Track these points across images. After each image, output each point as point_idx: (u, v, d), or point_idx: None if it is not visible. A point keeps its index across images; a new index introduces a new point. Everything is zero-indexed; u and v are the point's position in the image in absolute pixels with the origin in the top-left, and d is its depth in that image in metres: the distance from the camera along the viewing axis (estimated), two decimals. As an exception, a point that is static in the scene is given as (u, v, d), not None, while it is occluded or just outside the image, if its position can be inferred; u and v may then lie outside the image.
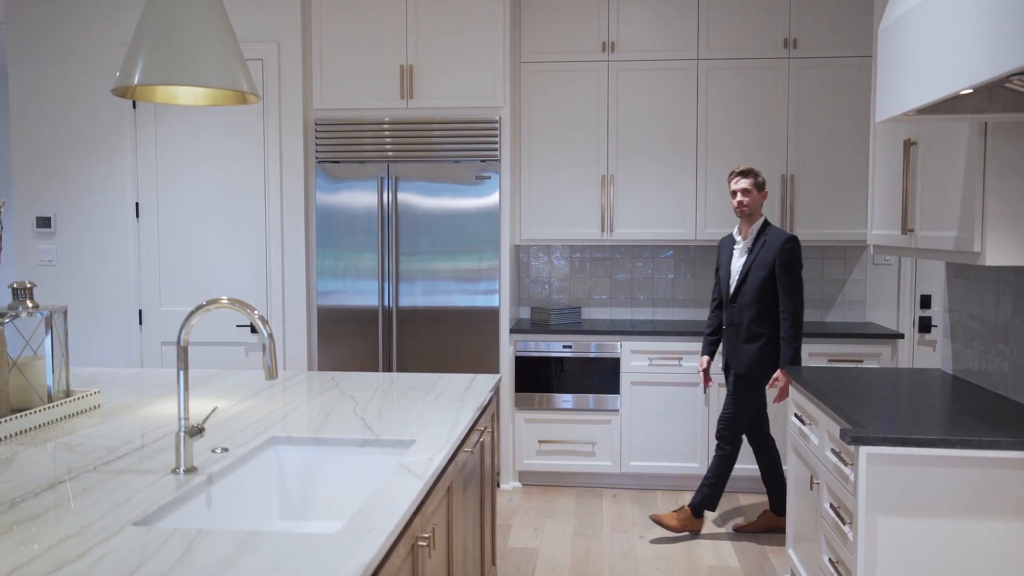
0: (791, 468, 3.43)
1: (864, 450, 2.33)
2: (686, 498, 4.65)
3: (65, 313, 2.52)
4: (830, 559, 2.76)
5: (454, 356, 4.73)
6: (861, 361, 4.63)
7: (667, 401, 4.74)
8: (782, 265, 3.85)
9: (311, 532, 1.55)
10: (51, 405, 2.39)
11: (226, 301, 1.92)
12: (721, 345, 4.17)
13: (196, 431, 1.93)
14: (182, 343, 1.90)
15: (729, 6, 4.87)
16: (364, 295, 4.75)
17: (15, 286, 2.45)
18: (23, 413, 2.28)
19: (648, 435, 4.76)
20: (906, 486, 2.34)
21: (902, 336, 4.66)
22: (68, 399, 2.47)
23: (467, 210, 4.66)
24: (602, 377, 4.77)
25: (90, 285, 4.87)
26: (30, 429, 2.31)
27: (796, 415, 3.29)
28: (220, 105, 2.70)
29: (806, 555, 3.15)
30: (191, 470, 1.91)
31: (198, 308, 1.91)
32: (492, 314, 4.70)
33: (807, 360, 4.66)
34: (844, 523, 2.58)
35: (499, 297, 4.69)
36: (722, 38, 4.89)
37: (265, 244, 4.78)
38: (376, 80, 4.69)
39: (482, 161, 4.66)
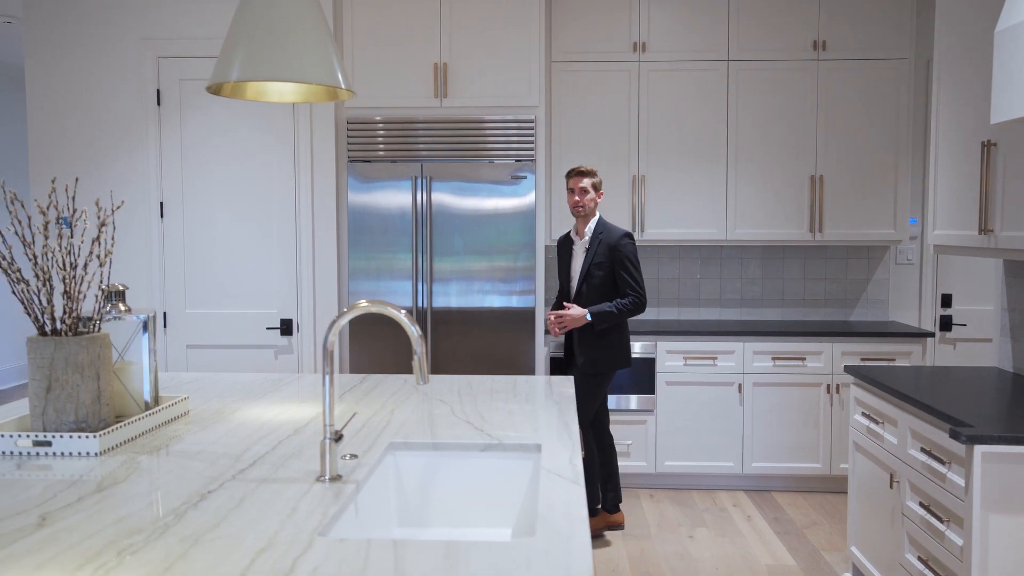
0: (853, 466, 3.45)
1: (979, 449, 2.34)
2: (722, 497, 4.67)
3: (154, 317, 2.43)
4: (919, 557, 2.77)
5: (489, 357, 4.68)
6: (893, 360, 4.68)
7: (702, 401, 4.75)
8: (619, 261, 3.88)
9: (474, 539, 1.51)
10: (152, 412, 2.31)
11: (365, 303, 1.87)
12: (563, 345, 4.12)
13: (337, 437, 1.88)
14: (328, 347, 1.84)
15: (759, 8, 4.89)
16: (397, 296, 4.68)
17: (108, 289, 2.37)
18: (129, 420, 2.20)
19: (683, 435, 4.76)
20: (1019, 484, 2.35)
21: (932, 335, 4.72)
22: (164, 405, 2.39)
23: (502, 210, 4.62)
24: (637, 377, 4.76)
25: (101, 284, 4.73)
26: (136, 436, 2.22)
27: (864, 414, 3.31)
28: (309, 102, 2.63)
29: (877, 553, 3.17)
30: (336, 478, 1.86)
31: (344, 312, 1.85)
32: (527, 315, 4.66)
33: (840, 359, 4.70)
34: (942, 522, 2.59)
35: (535, 298, 4.66)
36: (752, 40, 4.91)
37: (295, 245, 4.69)
38: (409, 78, 4.62)
39: (517, 161, 4.62)
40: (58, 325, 2.09)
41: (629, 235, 3.96)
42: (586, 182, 3.95)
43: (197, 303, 4.74)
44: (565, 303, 3.95)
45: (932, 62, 4.99)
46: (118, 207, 2.16)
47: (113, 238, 2.36)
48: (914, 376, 3.21)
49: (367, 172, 4.64)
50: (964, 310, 5.23)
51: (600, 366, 3.93)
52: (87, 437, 2.03)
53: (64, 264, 2.10)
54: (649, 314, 5.36)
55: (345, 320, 1.85)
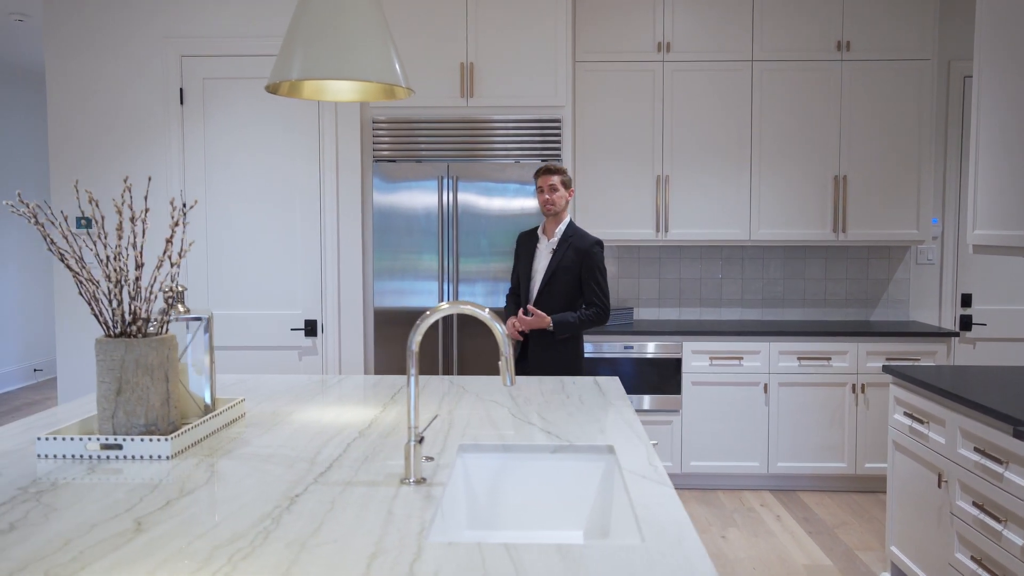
0: (892, 466, 3.45)
1: (1046, 449, 2.34)
2: (748, 497, 4.67)
3: (211, 319, 2.41)
4: (972, 557, 2.77)
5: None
6: (919, 359, 4.69)
7: (728, 401, 4.74)
8: (588, 268, 3.74)
9: (561, 542, 1.49)
10: (214, 414, 2.28)
11: (446, 306, 1.85)
12: (516, 349, 3.92)
13: (419, 439, 1.85)
14: (414, 348, 1.82)
15: (783, 8, 4.89)
16: (422, 296, 4.65)
17: (167, 290, 2.34)
18: (195, 423, 2.17)
19: (709, 435, 4.76)
20: (1084, 484, 2.36)
21: (957, 334, 4.73)
22: (224, 408, 2.36)
23: (529, 211, 4.60)
24: (663, 378, 4.76)
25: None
26: (201, 439, 2.20)
27: (906, 414, 3.31)
28: (366, 100, 2.61)
29: (921, 553, 3.17)
30: (420, 481, 1.83)
31: (427, 314, 1.83)
32: (553, 315, 4.63)
33: (864, 359, 4.70)
34: (999, 521, 2.59)
35: (561, 298, 4.63)
36: (776, 40, 4.91)
37: (320, 245, 4.67)
38: (436, 78, 4.60)
39: (543, 161, 4.60)
40: (128, 327, 2.06)
41: (600, 243, 3.81)
42: (556, 179, 3.79)
43: (220, 304, 4.70)
44: (528, 306, 3.77)
45: (953, 63, 5.01)
46: (192, 206, 2.12)
47: (183, 239, 2.32)
48: (958, 376, 3.22)
49: (392, 172, 4.61)
50: (984, 310, 5.25)
51: (561, 371, 3.77)
52: (159, 440, 2.00)
53: (135, 264, 2.06)
54: (671, 314, 5.36)
55: (430, 322, 1.83)
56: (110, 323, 2.06)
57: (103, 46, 4.63)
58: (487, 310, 1.85)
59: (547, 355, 3.80)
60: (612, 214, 4.99)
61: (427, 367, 4.66)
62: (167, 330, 2.14)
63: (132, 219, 2.00)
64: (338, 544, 1.47)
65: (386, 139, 4.62)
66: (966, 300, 5.26)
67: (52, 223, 2.05)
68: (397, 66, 2.41)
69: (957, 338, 4.97)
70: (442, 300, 4.64)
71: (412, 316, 4.63)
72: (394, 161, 4.62)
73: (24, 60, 7.55)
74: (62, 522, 1.57)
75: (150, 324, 2.08)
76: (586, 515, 2.17)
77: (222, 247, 4.67)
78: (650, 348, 4.76)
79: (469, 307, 1.84)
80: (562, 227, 3.84)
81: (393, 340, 4.66)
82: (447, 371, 4.66)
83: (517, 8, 4.57)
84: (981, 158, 3.36)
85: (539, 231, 3.93)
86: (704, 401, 4.75)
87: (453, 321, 4.62)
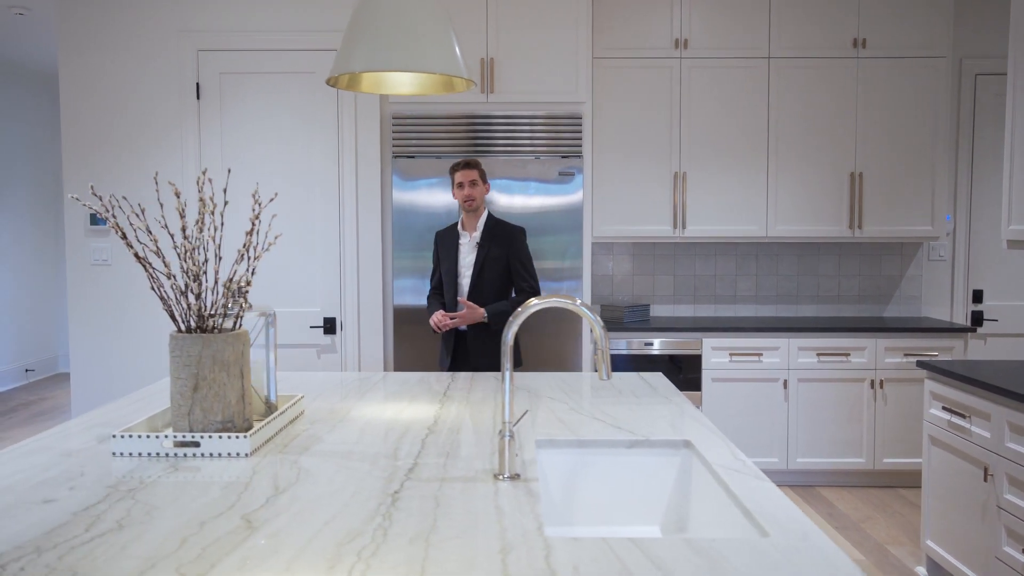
0: (928, 461, 3.48)
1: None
2: (770, 493, 4.68)
3: (275, 316, 2.37)
4: (1023, 549, 2.79)
5: (536, 355, 4.64)
6: (936, 355, 4.73)
7: (747, 397, 4.76)
8: (515, 254, 3.74)
9: (640, 537, 1.48)
10: (282, 411, 2.24)
11: (536, 301, 1.83)
12: (449, 344, 3.85)
13: (510, 435, 1.83)
14: (508, 342, 1.80)
15: (800, 5, 4.91)
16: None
17: (230, 286, 2.29)
18: (267, 419, 2.13)
19: (729, 431, 4.77)
20: None
21: (974, 330, 4.78)
22: (288, 404, 2.32)
23: (549, 207, 4.58)
24: (682, 374, 4.76)
25: (148, 285, 4.61)
26: (272, 436, 2.16)
27: (944, 408, 3.33)
28: (426, 94, 2.58)
29: (963, 547, 3.19)
30: (515, 476, 1.81)
31: (522, 310, 1.81)
32: (574, 313, 4.62)
33: (883, 354, 4.73)
34: (1054, 513, 2.61)
35: (582, 295, 4.63)
36: (792, 37, 4.93)
37: (339, 242, 4.62)
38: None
39: (563, 157, 4.59)
40: (204, 322, 2.02)
41: (523, 229, 3.81)
42: (475, 174, 3.75)
43: (237, 302, 4.63)
44: (461, 299, 3.70)
45: (965, 61, 5.05)
46: (272, 199, 2.08)
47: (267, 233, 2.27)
48: (998, 370, 3.24)
49: (412, 168, 4.58)
50: (995, 306, 5.31)
51: (492, 366, 3.73)
52: (238, 437, 1.96)
53: (215, 257, 2.02)
54: (687, 311, 5.36)
55: (523, 317, 1.81)
56: (187, 318, 2.01)
57: (117, 40, 4.55)
58: (578, 301, 1.83)
59: (486, 347, 3.74)
60: (630, 211, 4.99)
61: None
62: (240, 325, 2.09)
63: (212, 212, 1.95)
64: (461, 540, 1.44)
65: (405, 135, 4.58)
66: (977, 296, 5.31)
67: (137, 220, 2.00)
68: (458, 56, 2.38)
69: (973, 334, 5.01)
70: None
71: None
72: (413, 157, 4.58)
73: (24, 56, 7.41)
74: (168, 520, 1.53)
75: (226, 319, 2.04)
76: (662, 510, 2.16)
77: (239, 243, 4.60)
78: (670, 344, 4.76)
79: (561, 300, 1.82)
80: (483, 220, 3.80)
81: (412, 338, 4.62)
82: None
83: (537, 4, 4.55)
84: (1016, 154, 3.39)
85: (459, 227, 3.85)
86: (724, 397, 4.76)
87: (475, 318, 4.59)
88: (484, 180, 3.80)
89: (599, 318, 1.81)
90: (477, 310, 3.67)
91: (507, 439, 1.81)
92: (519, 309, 1.82)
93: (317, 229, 4.61)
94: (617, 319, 4.96)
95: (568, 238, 4.59)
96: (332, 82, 2.47)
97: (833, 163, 4.97)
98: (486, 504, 1.63)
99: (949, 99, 4.96)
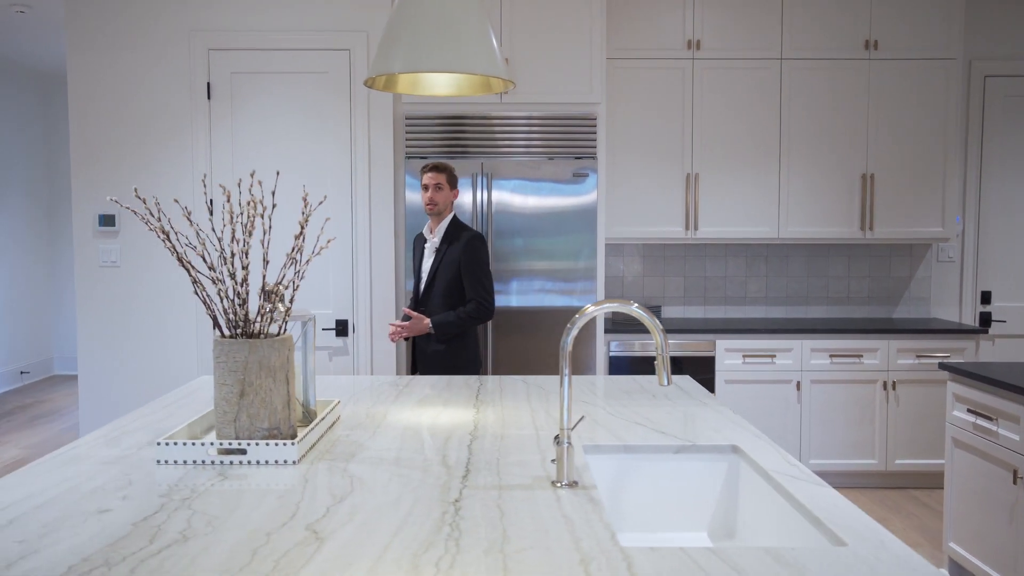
0: (951, 463, 3.48)
1: None
2: (784, 495, 4.67)
3: (315, 321, 2.34)
4: (1055, 552, 2.79)
5: (549, 357, 4.62)
6: (948, 356, 4.74)
7: (760, 399, 4.75)
8: (467, 263, 3.67)
9: (677, 544, 1.46)
10: (323, 416, 2.21)
11: (592, 308, 1.81)
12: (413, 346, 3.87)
13: (568, 441, 1.81)
14: (567, 347, 1.77)
15: (811, 7, 4.91)
16: (456, 296, 4.58)
17: (268, 289, 2.26)
18: (311, 426, 2.10)
19: (744, 433, 4.76)
20: None
21: (985, 331, 4.79)
22: (328, 410, 2.29)
23: (563, 208, 4.56)
24: (696, 376, 4.75)
25: (158, 287, 4.57)
26: (314, 444, 2.13)
27: (969, 410, 3.33)
28: (463, 95, 2.55)
29: (990, 549, 3.19)
30: (573, 484, 1.79)
31: (580, 316, 1.78)
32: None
33: (895, 356, 4.74)
34: (1089, 516, 2.61)
35: (596, 297, 4.61)
36: (805, 38, 4.93)
37: (352, 243, 4.58)
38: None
39: (576, 158, 4.57)
40: (249, 327, 1.98)
41: (480, 237, 3.73)
42: (441, 178, 3.68)
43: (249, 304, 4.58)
44: (406, 310, 3.67)
45: (974, 63, 5.07)
46: (322, 201, 2.05)
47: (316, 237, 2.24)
48: (1017, 373, 3.24)
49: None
50: (1003, 307, 5.33)
51: (446, 373, 3.67)
52: (286, 445, 1.93)
53: (261, 262, 1.98)
54: (698, 312, 5.36)
55: (583, 321, 1.78)
56: (233, 323, 1.97)
57: (127, 39, 4.49)
58: (635, 304, 1.81)
59: (439, 358, 3.68)
60: (642, 212, 4.97)
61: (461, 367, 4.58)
62: (285, 330, 2.06)
63: (263, 215, 1.92)
64: (536, 551, 1.41)
65: (419, 136, 4.55)
66: (986, 297, 5.33)
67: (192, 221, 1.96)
68: (498, 57, 2.36)
69: (985, 335, 5.03)
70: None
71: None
72: (426, 158, 4.55)
73: (19, 54, 7.32)
74: (232, 531, 1.50)
75: (272, 324, 2.00)
76: (709, 516, 2.14)
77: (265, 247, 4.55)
78: (683, 346, 4.75)
79: (620, 305, 1.79)
80: (444, 225, 3.74)
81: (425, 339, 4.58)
82: (482, 370, 4.60)
83: (551, 5, 4.53)
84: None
85: (425, 231, 3.81)
86: (737, 399, 4.75)
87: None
88: (453, 186, 3.73)
89: (661, 327, 1.79)
90: (423, 320, 3.61)
91: (566, 446, 1.78)
92: (576, 316, 1.80)
93: (329, 231, 4.57)
94: (629, 320, 4.94)
95: (581, 239, 4.56)
96: (369, 83, 2.44)
97: (845, 164, 4.98)
98: (552, 513, 1.61)
99: (960, 100, 4.97)
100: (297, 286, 1.99)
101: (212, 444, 1.94)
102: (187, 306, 4.57)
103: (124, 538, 1.47)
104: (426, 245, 3.80)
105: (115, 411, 4.59)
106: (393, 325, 3.70)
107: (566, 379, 1.79)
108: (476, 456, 2.02)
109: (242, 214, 1.97)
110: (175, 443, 1.93)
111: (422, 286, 3.78)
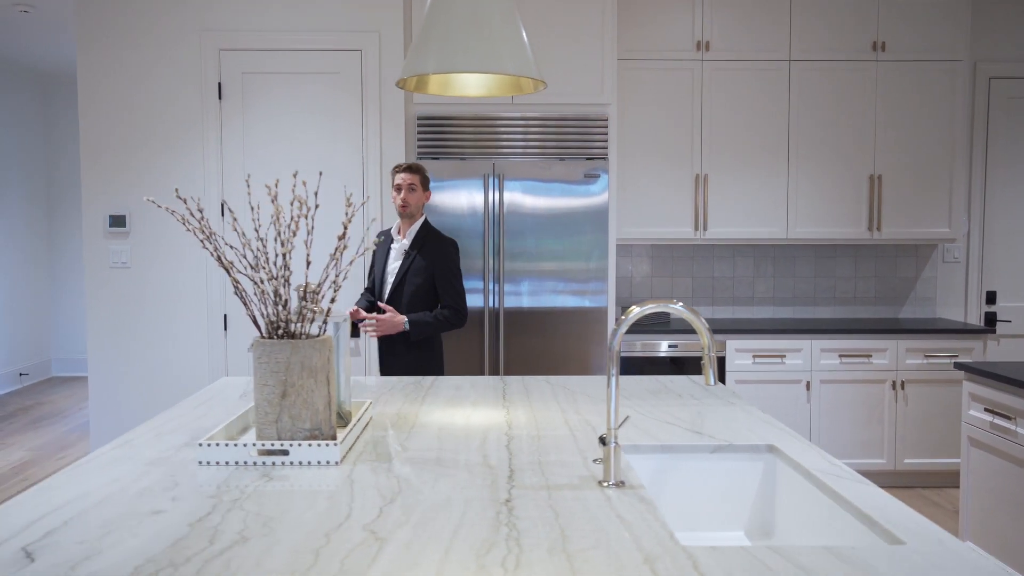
0: (967, 462, 3.50)
1: None
2: (794, 494, 4.69)
3: (348, 321, 2.33)
4: (1077, 549, 2.82)
5: (560, 357, 4.63)
6: (957, 355, 4.77)
7: (771, 399, 4.77)
8: (442, 269, 3.63)
9: (728, 544, 1.47)
10: (358, 419, 2.21)
11: (637, 309, 1.81)
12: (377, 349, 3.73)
13: (615, 441, 1.81)
14: (615, 348, 1.78)
15: (819, 9, 4.94)
16: (468, 296, 4.58)
17: (303, 290, 2.25)
18: (350, 427, 2.10)
19: (754, 433, 4.78)
20: None
21: (993, 331, 4.82)
22: (362, 411, 2.29)
23: (574, 209, 4.57)
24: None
25: (168, 288, 4.55)
26: (352, 445, 2.12)
27: (987, 410, 3.35)
28: (494, 95, 2.56)
29: (1006, 547, 3.21)
30: (620, 484, 1.79)
31: (626, 317, 1.79)
32: (599, 315, 4.62)
33: (904, 356, 4.76)
34: (1113, 514, 2.63)
35: (607, 298, 4.62)
36: (813, 40, 4.95)
37: (364, 243, 4.57)
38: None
39: (587, 159, 4.58)
40: (290, 327, 1.98)
41: (455, 244, 3.70)
42: (415, 179, 3.62)
43: (259, 305, 4.57)
44: (379, 304, 3.59)
45: (979, 64, 5.11)
46: (364, 202, 2.04)
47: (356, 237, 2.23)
48: (1039, 371, 3.27)
49: (437, 170, 4.54)
50: (1008, 307, 5.37)
51: (414, 374, 3.63)
52: (328, 445, 1.92)
53: (304, 262, 1.98)
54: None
55: (630, 322, 1.79)
56: (275, 323, 1.97)
57: (137, 39, 4.48)
58: (679, 303, 1.82)
59: (406, 359, 3.62)
60: (651, 213, 4.99)
61: (473, 367, 4.60)
62: (325, 331, 2.06)
63: (306, 215, 1.91)
64: (599, 551, 1.42)
65: (431, 137, 4.55)
66: (991, 297, 5.37)
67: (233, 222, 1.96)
68: (530, 57, 2.37)
69: (992, 334, 5.07)
70: (488, 300, 4.58)
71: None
72: (438, 159, 4.55)
73: (17, 54, 7.28)
74: (289, 532, 1.50)
75: (313, 324, 2.00)
76: (746, 515, 2.15)
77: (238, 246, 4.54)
78: (693, 346, 4.76)
79: (667, 306, 1.80)
80: (415, 228, 3.66)
81: (437, 340, 4.58)
82: (493, 371, 4.61)
83: (563, 7, 4.54)
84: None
85: (393, 231, 3.74)
86: (748, 399, 4.77)
87: (500, 320, 4.57)
88: (425, 187, 3.67)
89: (708, 328, 1.80)
90: (398, 316, 3.52)
91: (612, 446, 1.79)
92: (623, 316, 1.80)
93: (340, 231, 4.55)
94: (638, 321, 4.96)
95: (592, 240, 4.57)
96: (401, 84, 2.45)
97: (852, 165, 5.00)
98: (605, 513, 1.61)
99: (966, 102, 5.01)
100: (340, 286, 1.99)
101: (253, 445, 1.94)
102: (198, 307, 4.55)
103: (183, 539, 1.46)
104: (393, 245, 3.71)
105: (125, 412, 4.58)
106: (369, 317, 3.55)
107: (613, 379, 1.79)
108: (517, 457, 2.02)
109: (278, 217, 1.96)
110: (216, 444, 1.93)
111: (387, 288, 3.69)
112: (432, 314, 3.62)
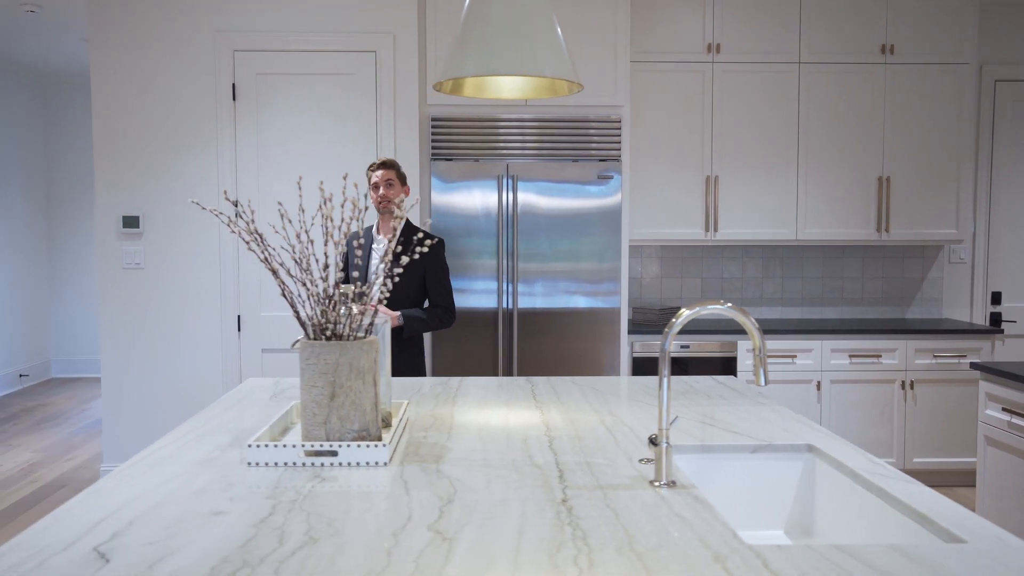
0: (984, 461, 3.54)
1: None
2: (805, 494, 4.72)
3: (388, 322, 2.34)
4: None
5: (573, 358, 4.65)
6: (965, 355, 4.81)
7: (781, 399, 4.80)
8: (433, 267, 3.59)
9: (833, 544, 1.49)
10: (400, 419, 2.22)
11: (688, 312, 1.83)
12: None
13: (667, 442, 1.83)
14: (667, 349, 1.80)
15: (829, 12, 4.97)
16: (481, 296, 4.60)
17: (343, 291, 2.26)
18: (394, 429, 2.11)
19: (765, 433, 4.81)
20: None
21: (1001, 331, 4.87)
22: (402, 412, 2.30)
23: (587, 210, 4.59)
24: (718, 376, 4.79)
25: (181, 289, 4.55)
26: (396, 446, 2.13)
27: (1004, 409, 3.39)
28: (528, 97, 2.57)
29: None
30: (671, 484, 1.81)
31: (677, 319, 1.80)
32: (612, 315, 4.64)
33: (913, 356, 4.80)
34: None
35: (620, 298, 4.64)
36: (822, 43, 4.99)
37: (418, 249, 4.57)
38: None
39: (600, 160, 4.61)
40: (338, 329, 1.99)
41: (442, 242, 3.67)
42: (391, 174, 3.55)
43: (272, 306, 4.58)
44: (372, 304, 3.50)
45: (985, 67, 5.15)
46: (414, 203, 2.05)
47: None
48: (1056, 371, 3.30)
49: (450, 172, 4.55)
50: (1014, 307, 5.42)
51: (398, 373, 3.59)
52: (377, 446, 1.93)
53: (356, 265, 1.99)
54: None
55: (679, 327, 1.81)
56: (324, 324, 1.98)
57: (151, 40, 4.47)
58: (728, 304, 1.84)
59: (399, 361, 3.56)
60: (662, 214, 5.01)
61: (486, 368, 4.61)
62: (372, 332, 2.07)
63: (359, 217, 1.92)
64: (667, 550, 1.44)
65: (444, 138, 4.56)
66: (996, 298, 5.42)
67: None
68: (568, 59, 2.38)
69: (1000, 334, 5.12)
70: (501, 300, 4.59)
71: (470, 317, 4.58)
72: (451, 160, 4.56)
73: (18, 54, 7.24)
74: (354, 532, 1.51)
75: (360, 327, 2.01)
76: (785, 514, 2.17)
77: (274, 246, 4.54)
78: (704, 347, 4.79)
79: (718, 308, 1.82)
80: (400, 227, 3.52)
81: (451, 341, 4.60)
82: (507, 371, 4.62)
83: (576, 9, 4.56)
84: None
85: (374, 230, 3.65)
86: (759, 399, 4.79)
87: (513, 321, 4.58)
88: (403, 182, 3.60)
89: (759, 330, 1.82)
90: (391, 314, 3.43)
91: (664, 447, 1.80)
92: (673, 319, 1.82)
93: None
94: (650, 321, 4.98)
95: (605, 240, 4.60)
96: (437, 86, 2.46)
97: (861, 167, 5.04)
98: (664, 512, 1.63)
99: (972, 105, 5.05)
100: (390, 288, 2.00)
101: (302, 446, 1.94)
102: (211, 308, 4.55)
103: (252, 540, 1.47)
104: (375, 246, 3.60)
105: (137, 413, 4.57)
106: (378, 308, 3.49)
107: (665, 382, 1.81)
108: (562, 457, 2.03)
109: (329, 218, 1.97)
110: (264, 445, 1.93)
111: (373, 288, 3.61)
112: (424, 311, 3.60)
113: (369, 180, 3.59)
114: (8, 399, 7.57)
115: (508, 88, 2.56)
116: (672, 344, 1.81)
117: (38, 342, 8.50)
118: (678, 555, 1.41)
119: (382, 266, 3.62)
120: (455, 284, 4.55)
